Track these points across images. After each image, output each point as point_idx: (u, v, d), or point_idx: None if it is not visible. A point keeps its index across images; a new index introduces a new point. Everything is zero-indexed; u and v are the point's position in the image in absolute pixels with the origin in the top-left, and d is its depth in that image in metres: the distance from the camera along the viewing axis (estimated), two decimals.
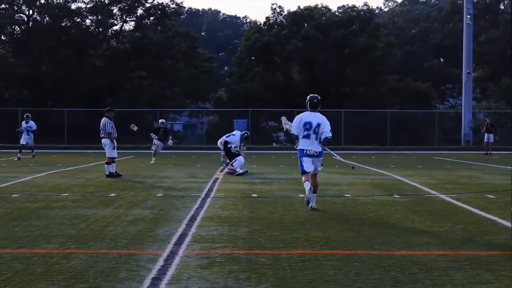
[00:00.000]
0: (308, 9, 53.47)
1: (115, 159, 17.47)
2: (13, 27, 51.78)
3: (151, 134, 24.33)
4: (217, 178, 16.83)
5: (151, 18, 53.99)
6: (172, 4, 53.24)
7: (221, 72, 68.09)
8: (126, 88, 50.33)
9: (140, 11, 53.81)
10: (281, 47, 50.77)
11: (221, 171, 19.12)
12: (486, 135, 32.46)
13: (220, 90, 57.83)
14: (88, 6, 51.63)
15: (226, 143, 18.94)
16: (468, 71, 44.83)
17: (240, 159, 18.43)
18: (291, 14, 53.64)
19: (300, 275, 6.14)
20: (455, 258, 6.90)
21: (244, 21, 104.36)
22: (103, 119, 17.40)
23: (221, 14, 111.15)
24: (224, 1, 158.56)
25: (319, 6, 55.04)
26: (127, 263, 6.56)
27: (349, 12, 54.43)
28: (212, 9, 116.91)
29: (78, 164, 22.59)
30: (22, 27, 51.72)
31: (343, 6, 61.70)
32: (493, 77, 57.54)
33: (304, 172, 10.84)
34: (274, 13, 54.77)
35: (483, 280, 5.96)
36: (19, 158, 24.09)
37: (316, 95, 11.12)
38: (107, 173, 16.99)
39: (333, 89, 50.10)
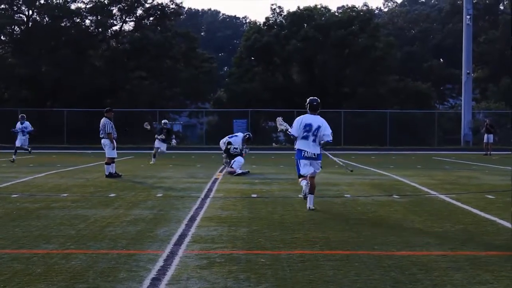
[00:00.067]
0: (308, 9, 53.47)
1: (115, 160, 17.48)
2: (13, 27, 51.77)
3: (156, 135, 24.19)
4: (216, 179, 16.83)
5: (151, 18, 53.98)
6: (172, 4, 53.30)
7: (221, 72, 68.09)
8: (126, 89, 50.34)
9: (139, 12, 53.83)
10: (281, 47, 50.77)
11: (221, 171, 19.12)
12: (485, 135, 32.46)
13: (220, 91, 57.83)
14: (87, 6, 51.63)
15: (228, 143, 18.96)
16: (468, 71, 44.84)
17: (239, 159, 18.43)
18: (290, 15, 53.63)
19: (299, 275, 6.14)
20: (455, 258, 6.91)
21: (244, 22, 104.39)
22: (103, 120, 17.40)
23: (221, 15, 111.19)
24: (224, 1, 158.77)
25: (319, 6, 55.06)
26: (127, 264, 6.57)
27: (348, 13, 54.43)
28: (212, 9, 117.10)
29: (77, 165, 22.58)
30: (22, 27, 51.71)
31: (343, 6, 61.72)
32: (492, 77, 57.56)
33: (300, 176, 10.87)
34: (274, 13, 54.80)
35: (482, 281, 5.97)
36: (13, 160, 23.61)
37: (316, 98, 11.12)
38: (107, 174, 16.99)
39: (333, 89, 50.11)
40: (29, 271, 6.26)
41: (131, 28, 54.77)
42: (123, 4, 52.28)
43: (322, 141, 10.75)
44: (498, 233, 8.58)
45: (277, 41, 51.12)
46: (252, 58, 53.59)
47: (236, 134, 20.01)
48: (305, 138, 10.73)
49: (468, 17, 44.53)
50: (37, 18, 51.81)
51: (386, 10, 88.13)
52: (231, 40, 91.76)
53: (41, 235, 8.16)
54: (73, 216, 9.82)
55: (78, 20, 51.74)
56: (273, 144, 45.01)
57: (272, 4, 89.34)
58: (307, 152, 10.74)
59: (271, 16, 54.71)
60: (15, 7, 51.33)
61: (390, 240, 7.93)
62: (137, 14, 53.92)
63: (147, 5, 53.16)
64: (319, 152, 10.82)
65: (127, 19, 54.22)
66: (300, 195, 11.56)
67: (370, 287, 5.76)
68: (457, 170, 21.13)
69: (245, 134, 19.76)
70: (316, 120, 10.81)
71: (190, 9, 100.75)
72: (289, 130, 10.98)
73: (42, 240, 7.86)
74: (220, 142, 19.48)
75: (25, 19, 51.45)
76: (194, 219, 9.61)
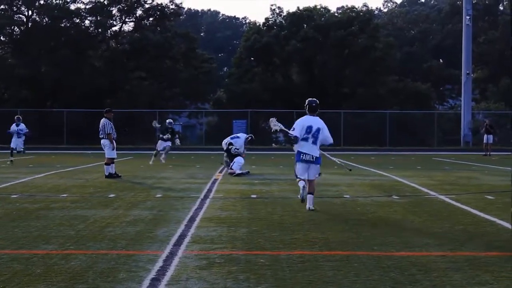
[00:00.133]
0: (307, 10, 53.47)
1: (114, 160, 17.48)
2: (13, 27, 51.78)
3: (160, 134, 24.11)
4: (216, 179, 16.83)
5: (151, 19, 53.99)
6: (172, 5, 53.31)
7: (221, 73, 68.09)
8: (126, 89, 50.35)
9: (139, 12, 53.83)
10: (281, 48, 50.77)
11: (220, 171, 19.13)
12: (485, 136, 32.45)
13: (219, 91, 57.83)
14: (87, 7, 51.64)
15: (230, 144, 19.00)
16: (468, 72, 44.84)
17: (239, 160, 18.44)
18: (290, 15, 53.64)
19: (299, 276, 6.14)
20: (454, 259, 6.91)
21: (244, 22, 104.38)
22: (103, 120, 17.40)
23: (221, 15, 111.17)
24: (224, 1, 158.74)
25: (318, 7, 55.08)
26: (126, 264, 6.57)
27: (348, 13, 54.44)
28: (212, 9, 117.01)
29: (77, 165, 22.58)
30: (22, 27, 51.72)
31: (342, 7, 61.53)
32: (492, 78, 57.57)
33: (297, 177, 10.94)
34: (274, 14, 54.81)
35: (482, 281, 5.97)
36: (11, 161, 23.45)
37: (315, 99, 11.20)
38: (107, 174, 16.99)
39: (332, 89, 50.11)
40: (29, 271, 6.26)
41: (131, 28, 54.83)
42: (123, 5, 52.29)
43: (327, 144, 10.87)
44: (497, 233, 8.58)
45: (277, 42, 51.13)
46: (252, 58, 53.60)
47: (238, 135, 20.04)
48: (305, 140, 10.77)
49: (468, 17, 44.54)
50: (37, 18, 51.81)
51: (385, 10, 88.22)
52: (231, 41, 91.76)
53: (41, 236, 8.16)
54: (72, 217, 9.82)
55: (77, 20, 51.75)
56: (273, 144, 44.97)
57: (272, 5, 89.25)
58: (306, 155, 10.77)
59: (270, 16, 54.77)
60: (14, 7, 51.34)
61: (389, 240, 7.93)
62: (137, 15, 53.94)
63: (146, 6, 53.18)
64: (317, 155, 10.83)
65: (126, 20, 54.24)
66: (299, 196, 11.56)
67: None
68: (457, 170, 21.13)
69: (247, 136, 19.82)
70: (316, 122, 10.87)
71: (189, 9, 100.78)
72: (290, 132, 10.94)
73: (41, 240, 7.86)
74: (222, 143, 19.53)
75: (25, 20, 51.45)
76: (193, 219, 9.61)
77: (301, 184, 10.79)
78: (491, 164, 24.82)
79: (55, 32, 49.63)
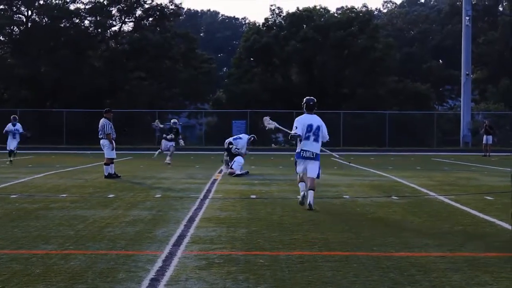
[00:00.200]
0: (307, 10, 53.47)
1: (114, 160, 17.48)
2: (12, 27, 51.76)
3: (163, 134, 23.99)
4: (215, 179, 16.83)
5: (150, 19, 53.98)
6: (171, 5, 53.31)
7: (220, 73, 68.09)
8: (125, 89, 50.33)
9: (139, 12, 53.83)
10: (280, 48, 50.77)
11: (220, 172, 19.13)
12: (484, 136, 32.45)
13: (219, 91, 57.81)
14: (87, 7, 51.63)
15: (230, 144, 19.06)
16: (467, 72, 44.84)
17: (239, 159, 18.44)
18: (290, 15, 53.63)
19: (298, 276, 6.14)
20: (454, 259, 6.91)
21: (243, 22, 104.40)
22: (102, 120, 17.39)
23: (220, 15, 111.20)
24: (223, 2, 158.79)
25: (318, 7, 55.06)
26: (126, 264, 6.57)
27: (348, 14, 54.46)
28: (211, 10, 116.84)
29: (76, 165, 22.57)
30: (21, 27, 51.71)
31: (342, 7, 61.66)
32: (492, 78, 57.57)
33: (297, 173, 11.18)
34: (273, 14, 54.80)
35: (481, 282, 5.97)
36: (11, 161, 23.43)
37: (312, 97, 11.35)
38: (106, 174, 16.99)
39: (332, 90, 50.12)
40: (28, 271, 6.26)
41: (130, 28, 54.83)
42: (122, 5, 52.28)
43: (324, 141, 11.07)
44: (497, 234, 8.58)
45: (276, 42, 51.13)
46: (251, 59, 53.59)
47: (240, 136, 20.11)
48: (307, 138, 10.93)
49: (468, 18, 44.55)
50: (36, 18, 51.80)
51: (385, 11, 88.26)
52: (230, 41, 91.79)
53: (40, 236, 8.16)
54: (72, 217, 9.82)
55: (77, 20, 51.74)
56: (272, 145, 45.01)
57: (271, 5, 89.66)
58: (306, 152, 10.92)
59: (270, 17, 54.75)
60: (14, 7, 51.32)
61: (389, 241, 7.93)
62: (136, 15, 53.93)
63: (146, 6, 53.17)
64: (318, 152, 10.99)
65: (126, 20, 54.23)
66: (298, 196, 11.57)
67: None
68: (456, 171, 21.13)
69: (249, 136, 19.88)
70: (315, 120, 11.07)
71: (189, 9, 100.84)
72: (292, 131, 11.03)
73: (41, 240, 7.85)
74: (225, 142, 19.58)
75: (24, 20, 51.45)
76: (193, 220, 9.61)
77: (301, 186, 11.00)
78: (491, 164, 24.83)
79: (55, 32, 49.63)
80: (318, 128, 10.98)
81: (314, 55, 50.94)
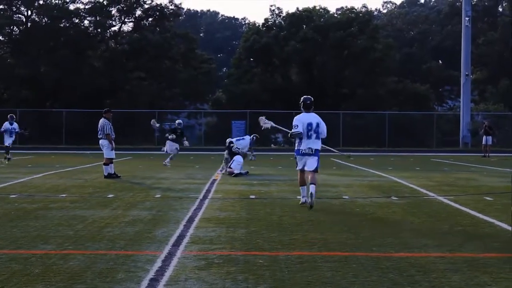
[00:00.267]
0: (307, 10, 53.49)
1: (113, 160, 17.47)
2: (12, 27, 51.76)
3: (167, 134, 23.89)
4: (215, 179, 16.82)
5: (150, 19, 53.98)
6: (171, 5, 53.33)
7: (220, 73, 68.10)
8: (125, 89, 50.33)
9: (138, 12, 53.83)
10: (280, 48, 50.78)
11: (220, 171, 19.12)
12: (484, 137, 32.45)
13: (219, 91, 57.81)
14: (86, 7, 51.64)
15: (231, 142, 19.13)
16: (467, 73, 44.85)
17: (238, 159, 18.45)
18: (289, 16, 53.65)
19: (297, 276, 6.14)
20: (453, 260, 6.91)
21: (243, 23, 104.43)
22: (101, 120, 17.39)
23: (220, 16, 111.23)
24: (223, 2, 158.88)
25: (318, 7, 55.11)
26: (125, 264, 6.56)
27: (347, 14, 54.48)
28: (211, 10, 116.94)
29: (76, 165, 22.57)
30: (21, 27, 51.71)
31: (342, 7, 61.50)
32: (491, 79, 57.61)
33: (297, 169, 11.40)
34: (273, 14, 54.83)
35: (480, 282, 5.97)
36: (8, 159, 23.50)
37: (309, 96, 11.54)
38: (105, 174, 16.98)
39: (332, 90, 50.13)
40: (27, 271, 6.25)
41: (130, 28, 54.82)
42: (122, 5, 52.29)
43: (322, 137, 11.28)
44: (496, 235, 8.58)
45: (276, 42, 51.13)
46: (251, 59, 53.60)
47: (243, 137, 20.24)
48: (309, 137, 11.12)
49: (467, 18, 44.56)
50: (36, 18, 51.79)
51: (385, 11, 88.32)
52: (230, 41, 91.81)
53: (39, 236, 8.16)
54: (71, 217, 9.81)
55: (77, 20, 51.76)
56: (272, 145, 45.00)
57: (271, 5, 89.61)
58: (305, 149, 11.12)
59: (270, 17, 54.80)
60: (14, 7, 51.31)
61: (388, 241, 7.93)
62: (136, 15, 53.93)
63: (146, 6, 53.19)
64: (317, 148, 11.19)
65: (126, 20, 54.23)
66: (298, 197, 11.58)
67: None
68: (456, 172, 21.13)
69: (252, 136, 19.92)
70: (314, 118, 11.28)
71: (189, 10, 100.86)
72: (293, 130, 11.17)
73: (40, 240, 7.85)
74: (226, 142, 19.65)
75: (24, 20, 51.45)
76: (192, 220, 9.60)
77: (302, 190, 11.26)
78: (490, 165, 24.83)
79: (55, 32, 49.62)
80: (318, 125, 11.19)
81: (313, 55, 50.96)
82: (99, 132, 17.34)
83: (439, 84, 63.76)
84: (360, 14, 54.74)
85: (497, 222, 9.59)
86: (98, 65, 50.90)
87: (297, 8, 54.05)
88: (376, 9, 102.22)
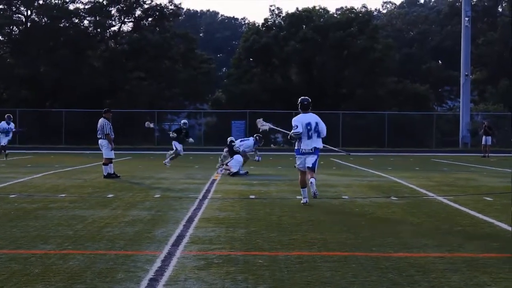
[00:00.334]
0: (306, 10, 53.47)
1: (113, 160, 17.47)
2: (11, 27, 51.72)
3: (170, 133, 23.86)
4: (214, 179, 16.83)
5: (150, 19, 53.94)
6: (171, 5, 53.28)
7: (219, 73, 68.07)
8: (125, 89, 50.31)
9: (138, 12, 53.78)
10: (279, 48, 50.76)
11: (220, 171, 19.11)
12: (484, 137, 32.45)
13: (218, 92, 57.78)
14: (86, 7, 51.60)
15: (232, 141, 19.20)
16: (466, 73, 44.85)
17: (238, 158, 18.46)
18: (289, 16, 53.62)
19: (297, 276, 6.14)
20: (452, 260, 6.91)
21: (243, 23, 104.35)
22: (101, 120, 17.39)
23: (220, 16, 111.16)
24: (223, 2, 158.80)
25: (317, 7, 55.09)
26: (125, 264, 6.56)
27: (347, 14, 54.46)
28: (211, 10, 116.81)
29: (75, 165, 22.57)
30: (20, 27, 51.68)
31: (341, 8, 61.52)
32: (491, 79, 57.61)
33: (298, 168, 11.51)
34: (273, 14, 54.80)
35: (480, 283, 5.97)
36: (6, 155, 23.70)
37: (307, 97, 11.69)
38: (105, 174, 16.99)
39: (331, 90, 50.12)
40: (27, 271, 6.25)
41: (130, 28, 54.77)
42: (122, 5, 52.25)
43: (322, 136, 11.39)
44: (496, 235, 8.59)
45: (276, 42, 51.11)
46: (251, 59, 53.58)
47: (247, 138, 20.35)
48: (310, 137, 11.24)
49: (467, 19, 44.56)
50: (36, 18, 51.76)
51: (384, 11, 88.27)
52: (230, 41, 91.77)
53: (39, 236, 8.16)
54: (71, 217, 9.81)
55: (76, 20, 51.72)
56: (272, 145, 44.99)
57: (271, 5, 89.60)
58: (305, 149, 11.24)
59: (269, 17, 54.74)
60: (13, 7, 51.28)
61: (387, 241, 7.93)
62: (136, 15, 53.89)
63: (145, 6, 53.14)
64: (319, 146, 11.34)
65: (125, 20, 54.20)
66: (298, 196, 11.58)
67: None
68: (455, 172, 21.14)
69: (255, 136, 20.01)
70: (312, 118, 11.40)
71: (188, 10, 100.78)
72: (293, 131, 11.24)
73: (39, 240, 7.85)
74: (227, 140, 19.70)
75: (24, 20, 51.42)
76: (192, 220, 9.61)
77: (303, 192, 11.33)
78: (490, 165, 24.84)
79: (54, 32, 49.59)
80: (317, 124, 11.31)
81: (313, 55, 50.94)
82: (99, 132, 17.35)
83: (439, 84, 63.76)
84: (360, 14, 54.72)
85: (496, 222, 9.60)
86: (98, 65, 50.88)
87: (297, 8, 54.08)
88: (375, 9, 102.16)
